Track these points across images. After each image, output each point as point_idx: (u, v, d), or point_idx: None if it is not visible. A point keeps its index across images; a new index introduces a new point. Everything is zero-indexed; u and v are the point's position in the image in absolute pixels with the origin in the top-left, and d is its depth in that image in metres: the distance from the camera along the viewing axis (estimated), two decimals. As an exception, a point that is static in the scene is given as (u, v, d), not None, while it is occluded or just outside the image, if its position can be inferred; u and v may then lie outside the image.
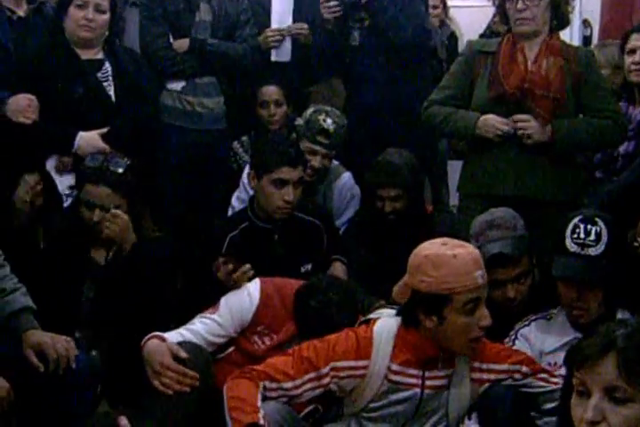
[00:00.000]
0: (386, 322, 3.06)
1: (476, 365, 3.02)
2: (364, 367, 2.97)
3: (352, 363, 2.96)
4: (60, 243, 3.70)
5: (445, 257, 2.84)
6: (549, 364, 3.21)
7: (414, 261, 2.91)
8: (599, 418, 1.87)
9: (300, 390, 2.94)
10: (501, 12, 4.07)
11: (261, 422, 2.77)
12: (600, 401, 1.88)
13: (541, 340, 3.26)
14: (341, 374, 2.96)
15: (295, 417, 3.00)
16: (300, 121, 4.47)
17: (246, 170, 4.36)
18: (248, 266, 3.49)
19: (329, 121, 4.40)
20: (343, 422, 3.12)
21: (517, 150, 3.97)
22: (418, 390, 3.00)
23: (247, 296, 3.47)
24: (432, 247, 2.91)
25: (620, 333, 1.91)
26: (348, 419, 3.11)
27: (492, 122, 3.95)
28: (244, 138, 4.93)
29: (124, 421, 2.08)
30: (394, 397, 3.01)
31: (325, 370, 2.94)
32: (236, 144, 4.91)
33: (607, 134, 3.99)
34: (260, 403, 2.84)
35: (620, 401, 1.87)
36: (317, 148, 4.38)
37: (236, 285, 3.49)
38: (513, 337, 3.29)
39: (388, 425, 3.06)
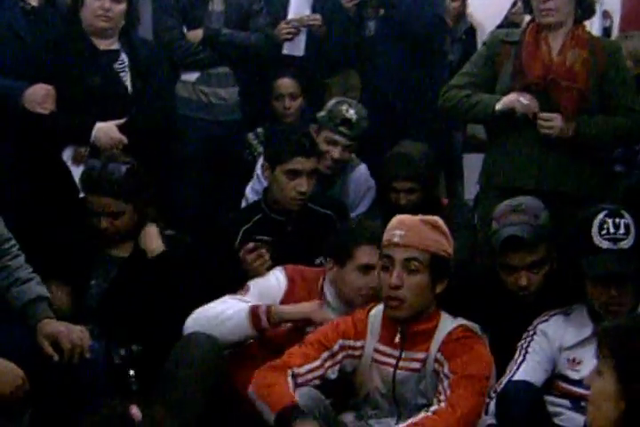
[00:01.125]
0: (381, 305, 3.16)
1: (438, 356, 3.05)
2: (361, 348, 3.13)
3: (352, 342, 3.13)
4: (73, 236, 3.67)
5: None
6: (568, 360, 3.20)
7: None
8: None
9: (324, 368, 3.08)
10: (525, 1, 4.04)
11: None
12: None
13: (560, 335, 3.23)
14: (345, 352, 3.11)
15: (324, 403, 3.06)
16: (321, 112, 4.47)
17: (260, 161, 4.35)
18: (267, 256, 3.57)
19: (352, 111, 4.39)
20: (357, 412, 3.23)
21: (539, 144, 3.92)
22: (391, 369, 3.09)
23: (275, 281, 3.53)
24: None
25: None
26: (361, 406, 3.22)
27: (516, 96, 3.86)
28: (259, 129, 4.93)
29: (134, 409, 2.07)
30: (376, 377, 3.12)
31: (336, 347, 3.11)
32: (250, 136, 4.91)
33: (630, 132, 3.94)
34: (293, 389, 2.95)
35: None
36: (339, 138, 4.37)
37: (256, 273, 3.56)
38: (531, 333, 3.27)
39: (378, 411, 3.16)
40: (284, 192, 3.85)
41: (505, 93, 3.91)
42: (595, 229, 3.18)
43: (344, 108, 4.40)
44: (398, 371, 3.08)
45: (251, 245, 3.63)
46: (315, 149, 3.95)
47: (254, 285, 3.52)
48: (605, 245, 3.17)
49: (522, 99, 3.84)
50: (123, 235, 3.63)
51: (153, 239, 3.62)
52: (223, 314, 3.34)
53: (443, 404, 2.91)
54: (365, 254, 3.41)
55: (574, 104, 3.87)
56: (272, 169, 3.88)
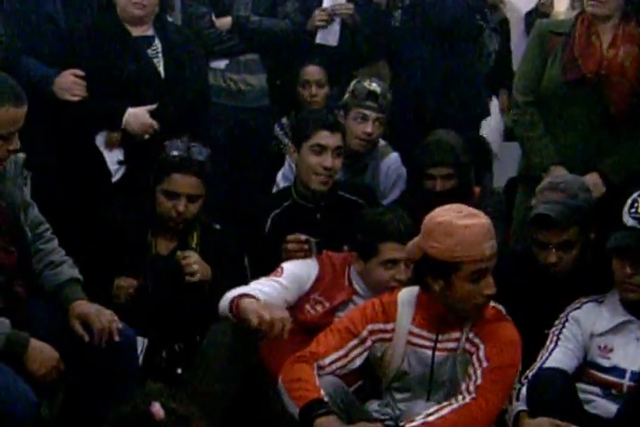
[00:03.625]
0: (410, 288, 3.18)
1: (471, 335, 3.05)
2: (392, 330, 3.12)
3: (381, 326, 3.13)
4: (119, 231, 3.69)
5: (457, 227, 2.92)
6: (599, 347, 3.21)
7: (428, 225, 3.00)
8: None
9: (349, 358, 3.10)
10: None
11: (325, 398, 2.91)
12: None
13: (592, 322, 3.24)
14: (375, 337, 3.11)
15: (348, 392, 3.10)
16: (345, 96, 4.48)
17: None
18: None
19: (374, 84, 4.42)
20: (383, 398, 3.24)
21: (584, 135, 3.94)
22: (429, 352, 3.08)
23: (307, 265, 3.57)
24: (446, 214, 2.98)
25: None
26: (385, 393, 3.22)
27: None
28: (284, 120, 4.94)
29: (156, 407, 2.09)
30: (412, 360, 3.11)
31: (364, 333, 3.11)
32: (276, 128, 4.93)
33: None
34: (318, 382, 2.96)
35: None
36: (368, 112, 4.37)
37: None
38: (563, 320, 3.28)
39: (410, 394, 3.16)
40: (310, 169, 3.82)
41: (555, 88, 3.93)
42: (626, 208, 3.20)
43: (366, 82, 4.42)
44: (437, 353, 3.08)
45: (302, 237, 3.62)
46: (339, 126, 3.92)
47: (288, 268, 3.53)
48: (631, 222, 3.18)
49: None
50: (183, 227, 3.67)
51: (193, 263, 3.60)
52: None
53: (472, 396, 2.90)
54: (391, 250, 3.42)
55: (625, 99, 3.87)
56: (298, 149, 3.88)
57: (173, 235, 3.72)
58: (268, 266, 3.61)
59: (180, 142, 3.69)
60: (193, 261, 3.57)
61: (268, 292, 3.36)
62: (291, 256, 3.60)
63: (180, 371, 3.55)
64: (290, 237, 3.63)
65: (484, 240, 2.93)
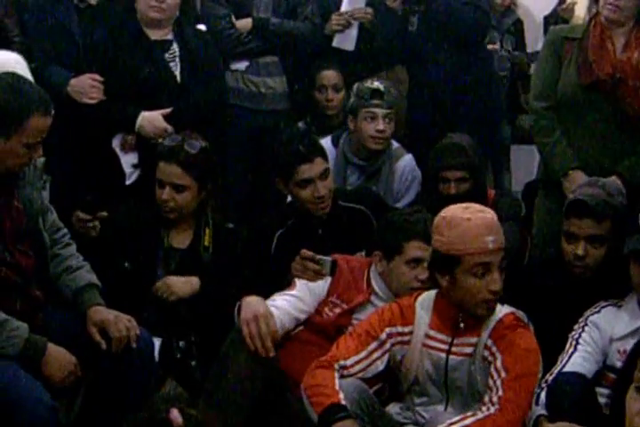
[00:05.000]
0: (428, 292, 3.18)
1: (489, 343, 3.04)
2: (410, 333, 3.12)
3: (400, 329, 3.13)
4: (132, 223, 3.72)
5: (459, 219, 2.96)
6: (618, 351, 3.19)
7: (435, 221, 3.04)
8: None
9: (370, 360, 3.10)
10: None
11: (343, 402, 2.91)
12: None
13: (611, 326, 3.23)
14: (394, 340, 3.11)
15: (372, 397, 3.08)
16: (350, 100, 4.51)
17: None
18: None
19: (377, 82, 4.44)
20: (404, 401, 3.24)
21: (602, 139, 3.94)
22: (444, 355, 3.08)
23: None
24: (452, 209, 3.03)
25: None
26: (406, 397, 3.22)
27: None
28: (300, 124, 4.95)
29: (174, 414, 2.07)
30: (427, 363, 3.11)
31: (383, 336, 3.11)
32: None
33: None
34: (338, 386, 2.96)
35: None
36: (376, 110, 4.38)
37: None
38: (582, 324, 3.27)
39: (426, 399, 3.16)
40: (305, 202, 3.78)
41: (571, 92, 3.93)
42: None
43: (368, 83, 4.44)
44: (451, 356, 3.08)
45: (317, 256, 3.56)
46: (315, 149, 3.81)
47: (300, 279, 3.54)
48: None
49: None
50: (179, 217, 3.69)
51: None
52: None
53: (496, 407, 2.89)
54: (416, 249, 3.41)
55: None
56: (285, 184, 3.82)
57: (188, 230, 3.74)
58: (275, 286, 3.60)
59: (179, 135, 3.75)
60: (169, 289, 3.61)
61: (280, 305, 3.40)
62: (301, 276, 3.55)
63: (194, 363, 3.57)
64: (304, 253, 3.57)
65: (487, 233, 2.94)
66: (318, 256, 3.56)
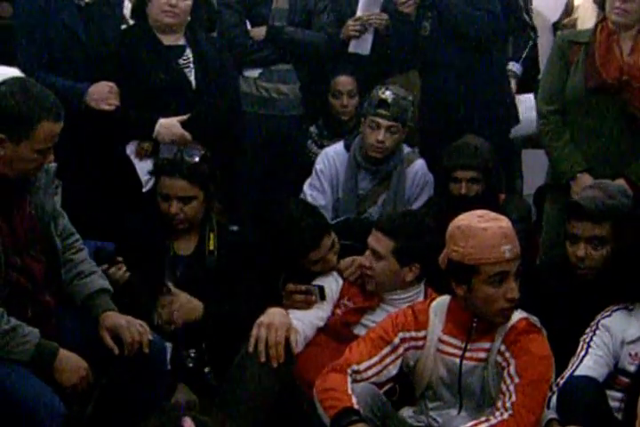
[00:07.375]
0: (443, 297, 3.19)
1: (502, 348, 3.03)
2: (423, 338, 3.13)
3: (413, 334, 3.14)
4: (140, 233, 3.73)
5: (475, 229, 2.95)
6: (630, 354, 3.19)
7: (449, 230, 3.03)
8: None
9: (383, 365, 3.11)
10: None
11: (356, 406, 2.91)
12: None
13: (622, 329, 3.23)
14: (407, 344, 3.12)
15: (385, 401, 3.09)
16: (364, 104, 4.52)
17: (318, 158, 4.49)
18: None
19: (387, 93, 4.41)
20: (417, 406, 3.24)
21: (609, 142, 3.96)
22: (457, 360, 3.08)
23: (331, 276, 3.65)
24: (467, 218, 3.02)
25: None
26: (419, 401, 3.22)
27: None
28: (312, 128, 4.97)
29: (187, 422, 2.08)
30: (441, 368, 3.11)
31: (397, 341, 3.12)
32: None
33: None
34: (350, 390, 2.97)
35: None
36: (379, 120, 4.37)
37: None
38: (594, 328, 3.27)
39: (442, 403, 3.16)
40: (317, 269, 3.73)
41: (578, 96, 3.98)
42: None
43: (380, 91, 4.42)
44: (465, 361, 3.07)
45: (302, 287, 3.58)
46: (320, 230, 3.66)
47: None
48: None
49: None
50: (188, 226, 3.70)
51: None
52: None
53: (509, 413, 2.89)
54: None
55: None
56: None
57: (192, 236, 3.75)
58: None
59: (173, 146, 3.80)
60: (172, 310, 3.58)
61: (301, 317, 3.45)
62: (293, 306, 3.55)
63: (207, 370, 3.58)
64: (289, 287, 3.59)
65: (503, 243, 2.93)
66: (305, 286, 3.57)
